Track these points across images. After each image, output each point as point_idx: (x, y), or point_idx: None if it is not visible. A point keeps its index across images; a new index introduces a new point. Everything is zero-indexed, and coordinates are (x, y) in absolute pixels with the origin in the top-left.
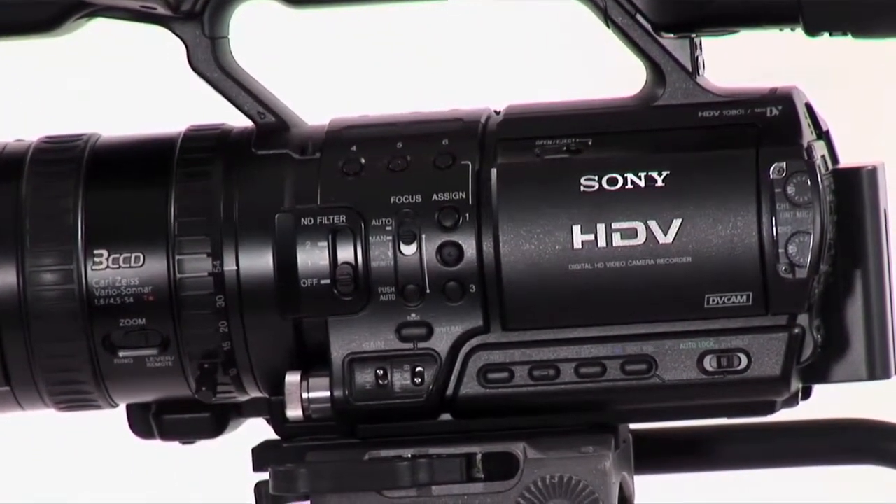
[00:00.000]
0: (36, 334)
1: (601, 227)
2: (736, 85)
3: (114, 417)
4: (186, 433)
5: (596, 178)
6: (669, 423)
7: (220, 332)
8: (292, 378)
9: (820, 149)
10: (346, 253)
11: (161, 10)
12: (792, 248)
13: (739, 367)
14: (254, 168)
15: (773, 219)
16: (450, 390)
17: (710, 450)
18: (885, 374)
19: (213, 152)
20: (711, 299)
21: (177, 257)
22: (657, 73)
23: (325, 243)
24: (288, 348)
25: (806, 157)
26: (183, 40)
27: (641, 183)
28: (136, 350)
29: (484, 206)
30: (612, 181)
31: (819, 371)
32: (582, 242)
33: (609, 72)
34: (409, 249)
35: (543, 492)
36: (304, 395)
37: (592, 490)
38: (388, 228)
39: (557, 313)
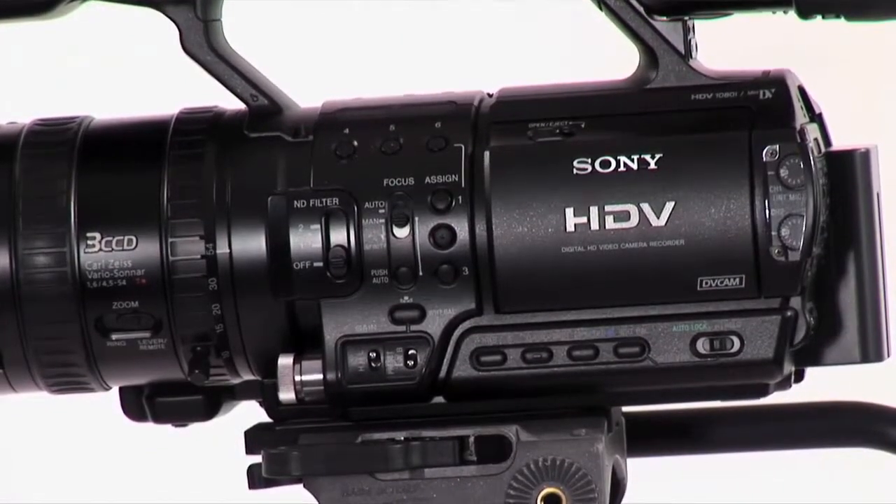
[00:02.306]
0: (28, 317)
1: (594, 210)
2: (729, 68)
3: (106, 400)
4: (179, 416)
5: (589, 160)
6: (662, 406)
7: (212, 315)
8: (285, 361)
9: (813, 131)
10: (338, 236)
11: None
12: (785, 231)
13: (732, 350)
14: (246, 151)
15: (766, 201)
16: (442, 373)
17: (703, 433)
18: (878, 357)
19: (205, 135)
20: (704, 282)
21: (169, 240)
22: (650, 55)
23: (317, 226)
24: (281, 331)
25: (799, 140)
26: (176, 23)
27: (634, 166)
28: (129, 333)
29: (477, 189)
30: (605, 164)
31: (812, 354)
32: (575, 225)
33: (602, 54)
34: (401, 232)
35: (536, 474)
36: (297, 378)
37: (585, 473)
38: (381, 211)
39: (550, 296)
